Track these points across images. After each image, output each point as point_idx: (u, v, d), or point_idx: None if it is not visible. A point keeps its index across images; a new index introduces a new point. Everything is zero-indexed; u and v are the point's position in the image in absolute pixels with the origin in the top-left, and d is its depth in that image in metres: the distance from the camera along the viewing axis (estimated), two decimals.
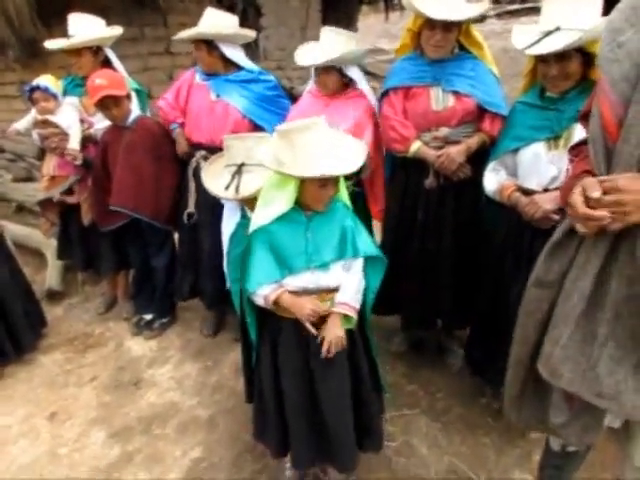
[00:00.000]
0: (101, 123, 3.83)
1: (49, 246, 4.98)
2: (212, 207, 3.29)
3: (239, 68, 3.61)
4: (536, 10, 2.59)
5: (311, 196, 2.18)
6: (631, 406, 1.57)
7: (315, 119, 2.11)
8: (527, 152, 2.66)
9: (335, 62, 3.13)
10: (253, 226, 2.21)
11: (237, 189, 2.57)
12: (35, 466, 3.03)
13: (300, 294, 2.26)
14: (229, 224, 2.85)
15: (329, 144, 2.11)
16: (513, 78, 3.13)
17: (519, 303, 1.93)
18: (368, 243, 2.35)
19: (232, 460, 2.97)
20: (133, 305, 4.34)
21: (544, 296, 1.75)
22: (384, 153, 3.38)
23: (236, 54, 3.56)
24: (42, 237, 5.21)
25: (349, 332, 2.37)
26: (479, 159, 2.95)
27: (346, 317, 2.30)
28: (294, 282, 2.26)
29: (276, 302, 2.25)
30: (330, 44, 3.17)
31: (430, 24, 2.82)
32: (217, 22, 3.49)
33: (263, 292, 2.25)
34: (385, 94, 3.14)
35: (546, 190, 2.56)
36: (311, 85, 3.45)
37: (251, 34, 3.67)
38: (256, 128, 3.47)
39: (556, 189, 2.49)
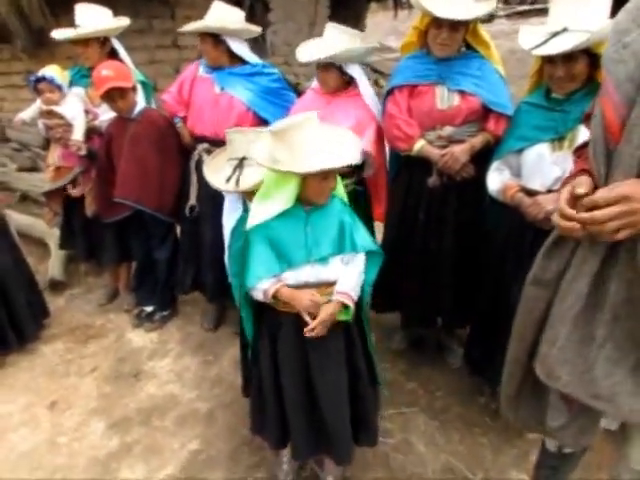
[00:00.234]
0: (106, 114, 3.84)
1: (52, 236, 4.99)
2: (214, 200, 3.28)
3: (243, 62, 3.61)
4: (545, 11, 2.58)
5: (313, 191, 2.20)
6: (628, 409, 1.57)
7: (307, 115, 2.13)
8: (531, 152, 2.66)
9: (333, 59, 3.10)
10: (251, 222, 2.21)
11: (237, 182, 2.59)
12: (34, 454, 3.05)
13: (300, 288, 2.27)
14: (230, 217, 2.86)
15: (325, 138, 2.14)
16: (521, 79, 3.12)
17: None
18: (366, 238, 2.37)
19: (230, 453, 2.99)
20: (134, 297, 4.36)
21: (541, 295, 1.74)
22: (386, 152, 3.37)
23: (241, 48, 3.57)
24: (46, 227, 5.24)
25: (346, 326, 2.39)
26: (483, 159, 2.95)
27: (345, 308, 2.31)
28: (295, 276, 2.27)
29: (275, 296, 2.26)
30: (332, 41, 3.14)
31: (437, 23, 2.82)
32: (224, 16, 3.49)
33: (262, 286, 2.25)
34: (390, 92, 3.13)
35: (549, 191, 2.56)
36: (315, 82, 3.44)
37: (256, 29, 3.68)
38: (260, 121, 3.47)
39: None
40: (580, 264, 1.56)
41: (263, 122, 3.42)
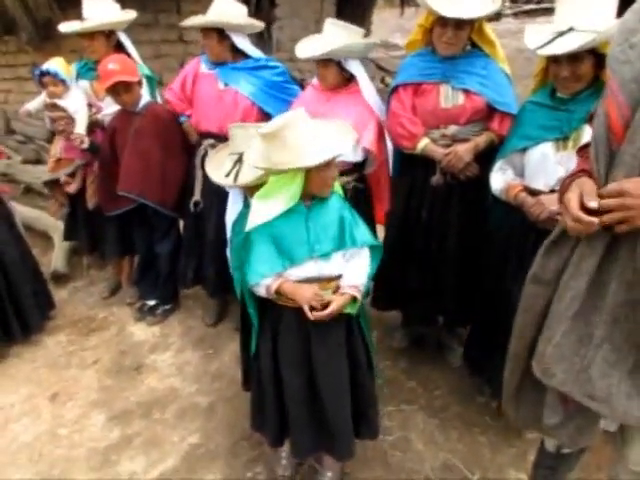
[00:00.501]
0: (110, 108, 3.85)
1: (56, 229, 5.02)
2: (218, 196, 3.29)
3: (246, 57, 3.62)
4: (553, 10, 2.58)
5: (317, 184, 2.20)
6: (622, 410, 1.57)
7: (294, 112, 2.16)
8: (535, 152, 2.65)
9: (331, 55, 3.08)
10: (253, 222, 2.21)
11: (236, 177, 2.60)
12: (35, 444, 3.07)
13: (302, 283, 2.28)
14: (232, 211, 2.88)
15: (317, 130, 2.16)
16: (527, 78, 3.12)
17: None
18: (365, 233, 2.38)
19: (229, 447, 3.00)
20: (137, 291, 4.37)
21: (540, 292, 1.74)
22: (388, 150, 3.36)
23: (244, 43, 3.58)
24: (50, 219, 5.26)
25: (348, 318, 2.40)
26: (486, 158, 2.94)
27: (353, 300, 2.32)
28: (297, 272, 2.28)
29: (278, 291, 2.27)
30: (331, 37, 3.12)
31: (442, 21, 2.81)
32: (227, 11, 3.49)
33: (265, 282, 2.26)
34: (394, 90, 3.13)
35: (553, 191, 2.54)
36: (315, 78, 3.42)
37: (259, 24, 3.68)
38: (266, 115, 3.46)
39: None
40: (578, 262, 1.56)
41: (268, 117, 3.40)
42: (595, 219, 1.43)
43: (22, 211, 5.09)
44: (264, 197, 2.23)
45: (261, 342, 2.48)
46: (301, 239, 2.25)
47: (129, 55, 3.90)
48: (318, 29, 3.24)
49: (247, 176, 2.54)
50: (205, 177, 3.43)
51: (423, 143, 3.00)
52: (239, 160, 2.62)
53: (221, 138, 3.34)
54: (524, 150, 2.72)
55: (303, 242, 2.25)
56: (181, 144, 3.80)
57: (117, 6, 3.93)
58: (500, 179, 2.80)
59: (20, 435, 3.14)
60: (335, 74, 3.20)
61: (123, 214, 3.88)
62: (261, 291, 2.30)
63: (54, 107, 3.85)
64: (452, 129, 2.99)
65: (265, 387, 2.48)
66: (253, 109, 3.52)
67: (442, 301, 3.28)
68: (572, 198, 1.51)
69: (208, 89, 3.60)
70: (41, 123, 6.29)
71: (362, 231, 2.37)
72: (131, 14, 3.95)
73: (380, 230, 3.53)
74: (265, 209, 2.20)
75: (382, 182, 3.44)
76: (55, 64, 3.77)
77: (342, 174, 3.09)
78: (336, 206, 2.34)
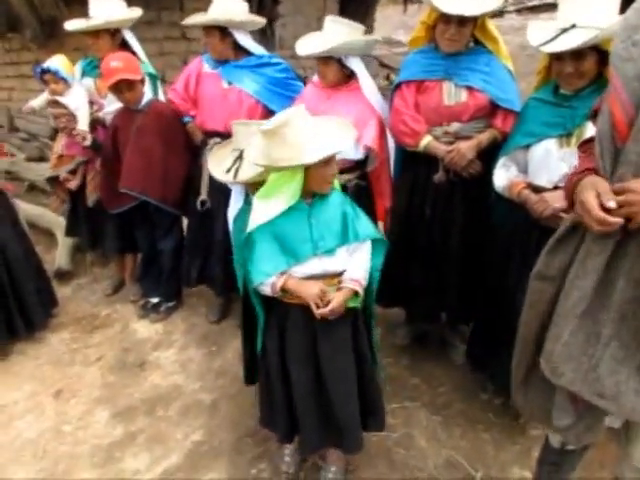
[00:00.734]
0: (111, 106, 3.87)
1: (59, 226, 5.02)
2: (225, 195, 3.29)
3: (248, 54, 3.61)
4: (556, 6, 2.57)
5: (317, 181, 2.21)
6: (630, 407, 1.57)
7: (293, 109, 2.17)
8: (538, 148, 2.65)
9: (331, 52, 3.08)
10: (255, 222, 2.22)
11: (236, 173, 2.61)
12: (39, 441, 3.08)
13: (306, 280, 2.29)
14: (234, 208, 2.89)
15: (317, 127, 2.16)
16: (531, 75, 3.11)
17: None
18: (368, 227, 2.40)
19: (233, 444, 3.00)
20: (140, 288, 4.38)
21: (546, 288, 1.75)
22: (389, 147, 3.35)
23: (247, 40, 3.58)
24: (53, 216, 5.27)
25: (353, 312, 2.41)
26: (489, 155, 2.94)
27: (355, 295, 2.33)
28: (302, 270, 2.29)
29: (283, 289, 2.28)
30: (332, 34, 3.11)
31: (445, 18, 2.81)
32: (229, 8, 3.49)
33: (269, 281, 2.27)
34: (397, 87, 3.12)
35: (556, 188, 2.54)
36: (316, 76, 3.41)
37: (261, 20, 3.67)
38: (270, 112, 3.45)
39: None
40: (584, 260, 1.56)
41: (273, 114, 3.37)
42: (620, 219, 1.43)
43: (26, 208, 5.10)
44: (265, 197, 2.24)
45: (268, 339, 2.48)
46: (304, 237, 2.26)
47: (134, 53, 3.91)
48: (321, 26, 3.23)
49: (247, 173, 2.56)
50: (212, 176, 3.43)
51: (426, 140, 3.00)
52: (240, 157, 2.63)
53: (227, 136, 3.31)
54: (527, 147, 2.72)
55: (306, 239, 2.26)
56: (184, 142, 3.81)
57: (123, 4, 3.94)
58: (503, 176, 2.80)
59: (24, 432, 3.15)
60: (335, 71, 3.19)
61: (125, 211, 3.89)
62: (266, 290, 2.31)
63: (56, 104, 3.87)
64: (455, 126, 2.99)
65: (273, 383, 2.49)
66: (258, 107, 3.52)
67: (445, 298, 3.27)
68: (590, 200, 1.49)
69: (212, 88, 3.60)
70: (45, 121, 6.33)
71: (365, 225, 2.38)
72: (137, 12, 3.95)
73: (380, 227, 3.52)
74: (266, 208, 2.21)
75: (383, 179, 3.42)
76: (56, 62, 3.79)
77: (344, 172, 3.09)
78: (338, 202, 2.34)
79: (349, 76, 3.25)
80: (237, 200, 2.89)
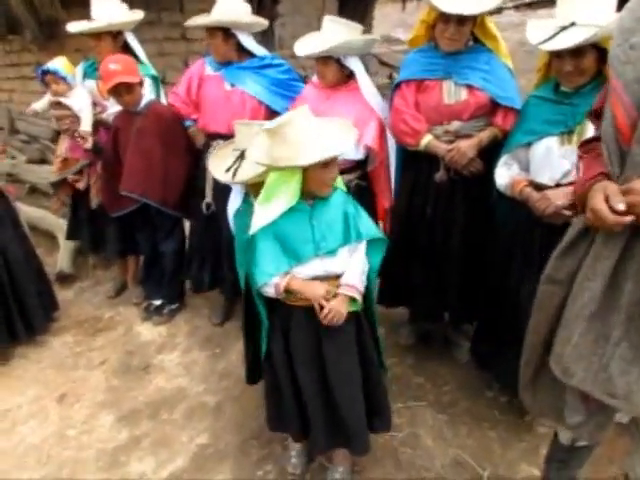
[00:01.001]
0: (114, 107, 3.85)
1: (61, 228, 5.01)
2: (229, 197, 3.28)
3: (251, 55, 3.60)
4: (554, 2, 2.57)
5: (315, 183, 2.21)
6: None
7: (299, 109, 2.17)
8: (540, 146, 2.64)
9: (330, 52, 3.06)
10: (256, 225, 2.22)
11: (235, 173, 2.61)
12: (43, 446, 3.07)
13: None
14: (232, 207, 2.90)
15: (320, 129, 2.16)
16: (529, 72, 3.10)
17: (530, 299, 1.94)
18: (370, 226, 2.40)
19: (238, 446, 2.99)
20: (143, 290, 4.37)
21: (556, 291, 1.75)
22: (389, 146, 3.33)
23: (250, 42, 3.56)
24: (55, 219, 5.27)
25: (356, 314, 2.40)
26: (490, 154, 2.93)
27: (352, 299, 2.32)
28: (304, 271, 2.29)
29: (287, 289, 2.27)
30: (331, 34, 3.10)
31: (444, 17, 2.80)
32: (233, 9, 3.47)
33: (273, 282, 2.26)
34: (397, 86, 3.11)
35: (558, 185, 2.54)
36: (315, 76, 3.39)
37: (265, 21, 3.66)
38: (273, 114, 3.43)
39: (568, 184, 2.47)
40: (593, 263, 1.56)
41: (276, 115, 3.34)
42: (631, 217, 1.42)
43: (27, 211, 5.10)
44: (266, 199, 2.23)
45: (272, 340, 2.48)
46: (306, 237, 2.26)
47: (136, 55, 3.90)
48: (320, 26, 3.22)
49: (246, 173, 2.57)
50: (216, 178, 3.42)
51: (426, 139, 2.99)
52: (240, 157, 2.63)
53: (230, 138, 3.32)
54: (529, 145, 2.71)
55: (308, 240, 2.26)
56: (184, 143, 3.80)
57: (125, 6, 3.93)
58: (505, 174, 2.79)
59: (28, 437, 3.15)
60: (335, 71, 3.18)
61: (126, 214, 3.88)
62: (270, 291, 2.31)
63: (58, 105, 3.86)
64: (455, 125, 2.97)
65: (282, 385, 2.48)
66: (261, 108, 3.51)
67: (447, 298, 3.27)
68: (599, 205, 1.48)
69: (215, 91, 3.58)
70: (46, 123, 6.32)
71: (366, 223, 2.39)
72: (138, 14, 3.95)
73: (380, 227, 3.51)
74: (267, 210, 2.21)
75: (382, 179, 3.40)
76: (56, 63, 3.78)
77: (344, 172, 3.07)
78: (339, 201, 2.34)
79: (348, 76, 3.24)
80: (236, 197, 2.90)
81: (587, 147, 1.80)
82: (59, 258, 4.87)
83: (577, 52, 2.38)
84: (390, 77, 9.75)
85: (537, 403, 2.00)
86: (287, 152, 2.09)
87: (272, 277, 2.25)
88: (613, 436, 2.53)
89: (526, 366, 1.96)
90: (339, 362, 2.36)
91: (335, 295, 2.29)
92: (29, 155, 6.82)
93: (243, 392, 3.31)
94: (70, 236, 4.58)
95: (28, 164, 6.64)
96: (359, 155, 3.18)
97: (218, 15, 3.44)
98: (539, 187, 2.60)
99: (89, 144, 3.74)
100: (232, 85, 3.54)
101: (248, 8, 3.57)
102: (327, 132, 2.19)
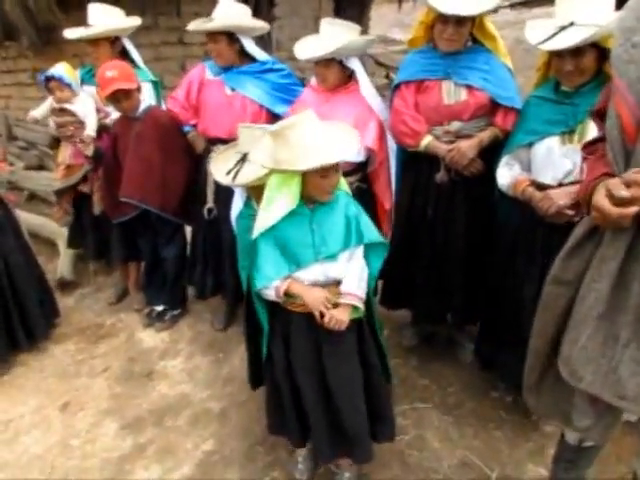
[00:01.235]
0: (117, 113, 3.82)
1: (61, 235, 5.00)
2: (231, 202, 3.26)
3: (251, 60, 3.59)
4: (549, 0, 2.57)
5: (314, 188, 2.19)
6: None
7: (304, 113, 2.14)
8: (541, 146, 2.64)
9: (335, 54, 3.05)
10: (257, 229, 2.22)
11: (235, 176, 2.61)
12: (47, 456, 3.05)
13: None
14: (235, 210, 2.89)
15: (323, 134, 2.14)
16: (528, 70, 3.10)
17: (533, 299, 1.93)
18: (371, 229, 2.38)
19: (244, 453, 2.97)
20: (144, 296, 4.35)
21: (562, 292, 1.75)
22: (389, 147, 3.32)
23: (252, 46, 3.56)
24: (55, 226, 5.25)
25: (358, 321, 2.39)
26: (491, 154, 2.92)
27: (354, 307, 2.30)
28: (304, 276, 2.28)
29: (287, 293, 2.26)
30: (331, 36, 3.08)
31: (443, 18, 2.79)
32: (235, 13, 3.46)
33: (273, 285, 2.25)
34: (397, 87, 3.11)
35: (560, 185, 2.54)
36: (313, 79, 3.38)
37: (266, 26, 3.66)
38: (274, 118, 3.42)
39: (571, 183, 2.48)
40: (599, 265, 1.55)
41: (277, 119, 3.34)
42: (636, 207, 1.40)
43: (27, 218, 5.08)
44: (267, 203, 2.22)
45: (273, 344, 2.47)
46: (306, 242, 2.25)
47: (133, 61, 3.89)
48: (317, 27, 3.21)
49: (247, 176, 2.57)
50: (217, 183, 3.40)
51: (426, 140, 2.98)
52: (242, 160, 2.62)
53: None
54: (530, 145, 2.71)
55: (308, 245, 2.25)
56: (183, 148, 3.78)
57: (122, 12, 3.92)
58: (507, 174, 2.79)
59: (31, 447, 3.12)
60: (337, 73, 3.17)
61: (128, 219, 3.86)
62: (270, 294, 2.29)
63: (62, 112, 3.83)
64: (455, 125, 2.97)
65: (282, 390, 2.47)
66: (262, 113, 3.50)
67: (449, 299, 3.26)
68: (602, 201, 1.47)
69: (216, 95, 3.56)
70: (43, 129, 6.30)
71: (368, 227, 2.37)
72: (136, 20, 3.94)
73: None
74: (269, 214, 2.20)
75: (382, 180, 3.39)
76: (60, 69, 3.75)
77: (345, 175, 3.06)
78: (342, 205, 2.32)
79: (347, 77, 3.23)
80: (238, 200, 2.90)
81: (591, 148, 1.80)
82: (59, 264, 4.85)
83: (577, 52, 2.38)
84: (387, 77, 9.75)
85: (542, 405, 2.00)
86: (289, 155, 2.08)
87: (272, 280, 2.25)
88: (621, 435, 2.53)
89: (530, 370, 1.96)
90: (340, 370, 2.35)
91: (336, 305, 2.27)
92: (27, 161, 6.81)
93: (248, 397, 3.30)
94: (72, 245, 4.58)
95: (26, 171, 6.63)
96: (360, 157, 3.17)
97: (223, 19, 3.41)
98: (541, 187, 2.60)
99: (90, 150, 3.72)
100: (233, 90, 3.52)
101: (249, 12, 3.56)
102: (330, 138, 2.17)
